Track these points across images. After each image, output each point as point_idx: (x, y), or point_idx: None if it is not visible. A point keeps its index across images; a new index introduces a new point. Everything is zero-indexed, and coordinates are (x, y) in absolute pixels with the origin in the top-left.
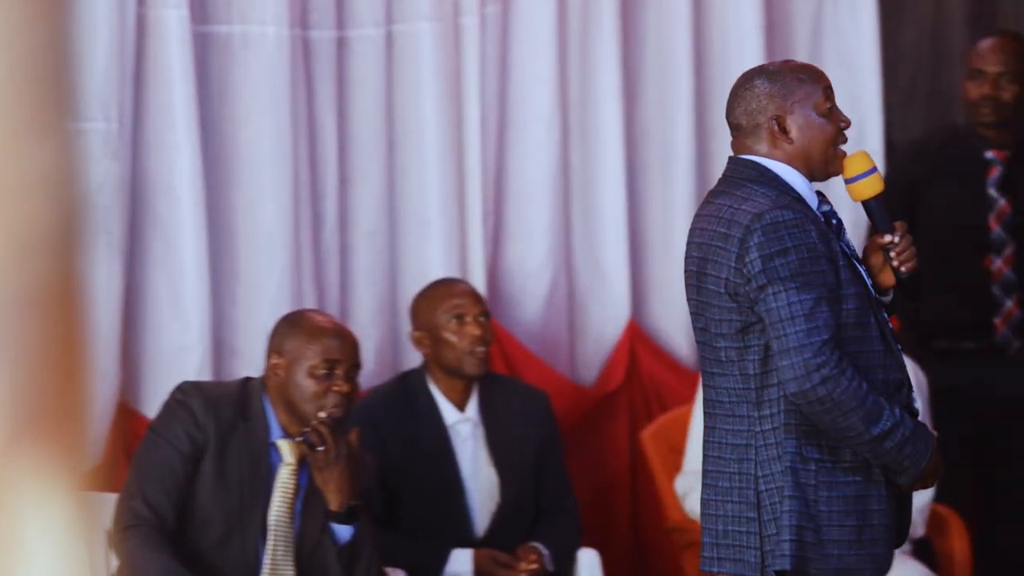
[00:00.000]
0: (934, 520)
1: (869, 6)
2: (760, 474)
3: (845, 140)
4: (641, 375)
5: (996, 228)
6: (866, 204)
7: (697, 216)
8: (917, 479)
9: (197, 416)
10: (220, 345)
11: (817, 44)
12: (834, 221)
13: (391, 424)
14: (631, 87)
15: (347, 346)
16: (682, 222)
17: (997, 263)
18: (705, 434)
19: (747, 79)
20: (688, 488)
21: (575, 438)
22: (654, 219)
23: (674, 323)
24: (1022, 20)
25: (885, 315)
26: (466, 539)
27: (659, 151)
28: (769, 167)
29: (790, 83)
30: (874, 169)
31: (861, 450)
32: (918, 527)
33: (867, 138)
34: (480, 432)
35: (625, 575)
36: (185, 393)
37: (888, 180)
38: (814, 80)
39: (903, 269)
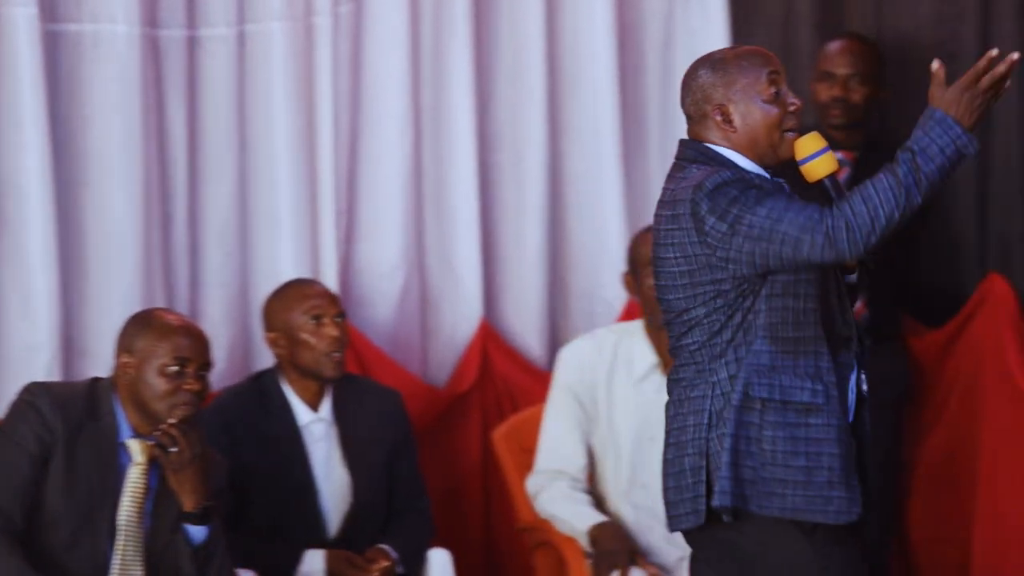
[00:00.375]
0: None
1: (719, 8)
2: (712, 422)
3: (795, 122)
4: (493, 375)
5: None
6: (821, 184)
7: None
8: (972, 123)
9: (45, 417)
10: (69, 345)
11: (669, 46)
12: (784, 188)
13: (244, 424)
14: (484, 88)
15: (198, 344)
16: (535, 223)
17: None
18: (668, 405)
19: (693, 69)
20: (539, 488)
21: (428, 438)
22: (507, 220)
23: (526, 324)
24: (869, 22)
25: (840, 273)
26: (319, 540)
27: (512, 152)
28: (712, 148)
29: (732, 72)
30: (826, 148)
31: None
32: None
33: None
34: (333, 432)
35: (477, 575)
36: (33, 393)
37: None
38: (759, 66)
39: None
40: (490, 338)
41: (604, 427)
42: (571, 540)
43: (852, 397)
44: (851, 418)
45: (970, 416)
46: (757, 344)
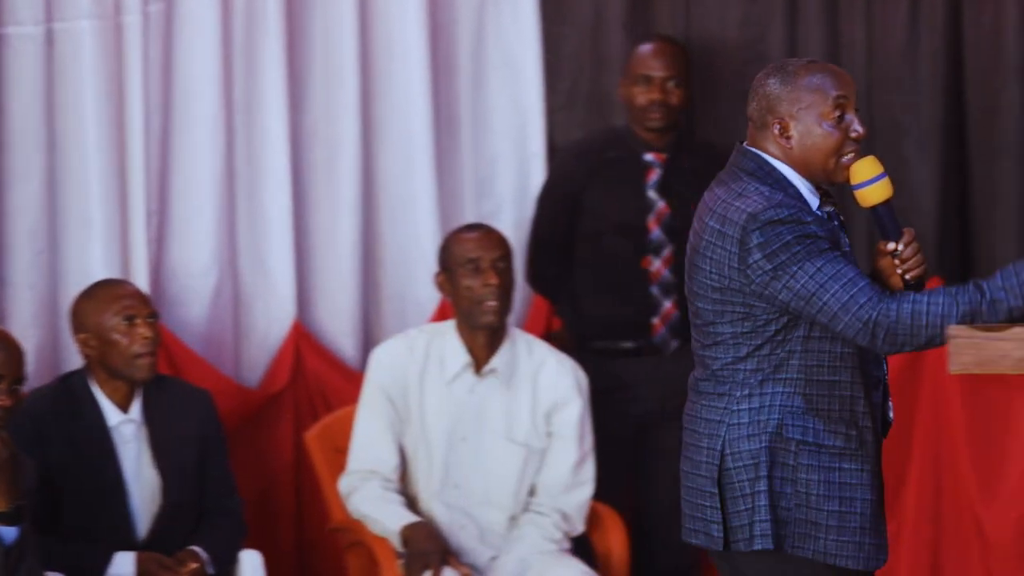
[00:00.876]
0: (592, 517)
1: (530, 9)
2: (728, 451)
3: (856, 149)
4: (306, 375)
5: (655, 230)
6: (874, 210)
7: (700, 203)
8: None
9: None
10: None
11: (480, 47)
12: (835, 223)
13: (53, 426)
14: (297, 88)
15: (11, 359)
16: (348, 223)
17: (656, 264)
18: (686, 408)
19: (765, 75)
20: (352, 488)
21: (240, 438)
22: (320, 220)
23: (339, 324)
24: (678, 24)
25: None
26: (129, 542)
27: (325, 152)
28: (769, 162)
29: (800, 87)
30: (882, 175)
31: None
32: (577, 524)
33: (529, 140)
34: (143, 433)
35: (288, 575)
36: None
37: (550, 182)
38: (828, 88)
39: (908, 277)
40: (303, 338)
41: (416, 427)
42: (383, 540)
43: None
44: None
45: None
46: (791, 387)
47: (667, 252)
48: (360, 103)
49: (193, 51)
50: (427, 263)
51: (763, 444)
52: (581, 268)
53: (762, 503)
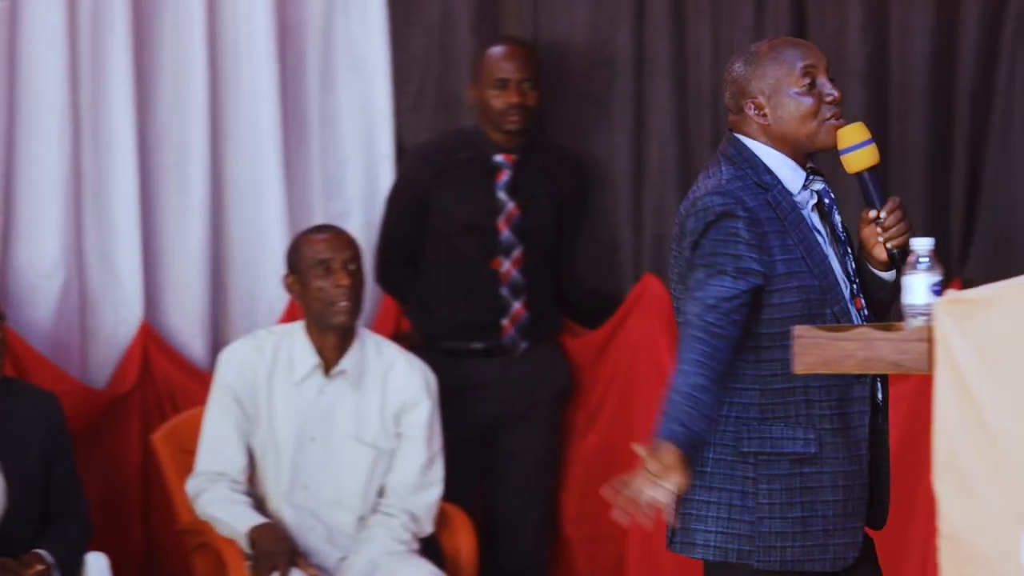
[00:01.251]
0: (441, 518)
1: (378, 11)
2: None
3: (836, 113)
4: (154, 376)
5: (505, 231)
6: (859, 176)
7: None
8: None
9: None
10: None
11: (328, 48)
12: (826, 200)
13: None
14: (145, 90)
15: None
16: (197, 224)
17: (506, 265)
18: None
19: (732, 63)
20: (200, 490)
21: (87, 440)
22: (169, 221)
23: (188, 325)
24: (526, 25)
25: (850, 303)
26: None
27: (174, 154)
28: (747, 145)
29: (766, 65)
30: (869, 141)
31: None
32: (426, 525)
33: (378, 142)
34: None
35: None
36: None
37: (399, 183)
38: (793, 59)
39: (889, 245)
40: (151, 339)
41: (265, 428)
42: (231, 542)
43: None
44: (867, 432)
45: (626, 415)
46: (747, 397)
47: (517, 253)
48: (208, 104)
49: (38, 48)
50: (276, 264)
51: (720, 456)
52: (431, 269)
53: (711, 514)
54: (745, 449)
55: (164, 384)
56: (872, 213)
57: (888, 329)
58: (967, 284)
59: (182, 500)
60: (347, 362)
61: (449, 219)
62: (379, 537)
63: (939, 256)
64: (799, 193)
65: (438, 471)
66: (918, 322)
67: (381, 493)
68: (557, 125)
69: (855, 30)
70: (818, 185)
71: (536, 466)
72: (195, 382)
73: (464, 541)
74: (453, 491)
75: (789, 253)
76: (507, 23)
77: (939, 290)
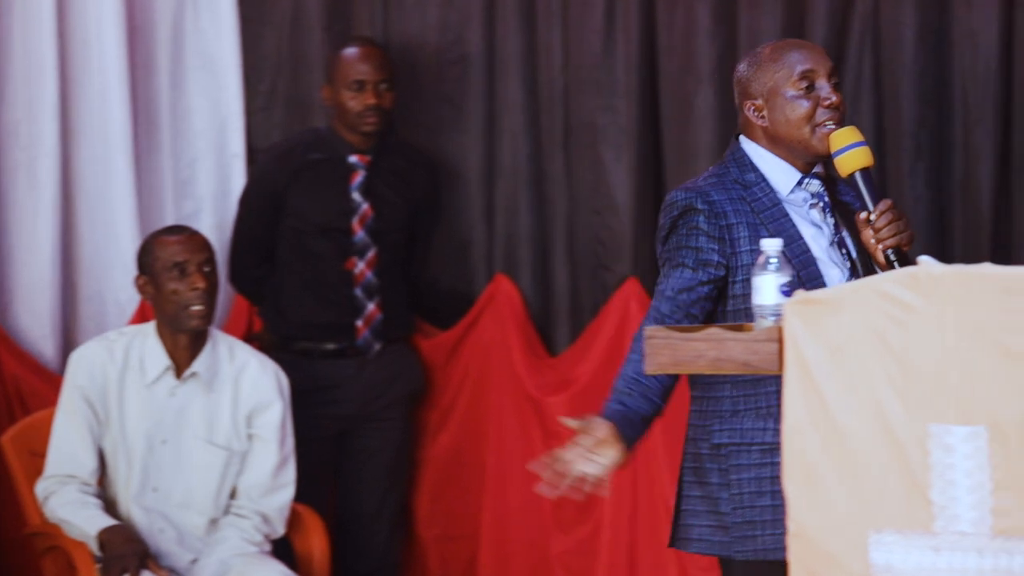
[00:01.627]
0: (293, 519)
1: (229, 10)
2: (685, 453)
3: (832, 117)
4: (4, 378)
5: (359, 232)
6: (852, 178)
7: None
8: None
9: None
10: None
11: (179, 48)
12: (823, 203)
13: None
14: None
15: None
16: (46, 223)
17: (360, 266)
18: None
19: (737, 66)
20: (49, 492)
21: None
22: (19, 220)
23: (38, 325)
24: (376, 26)
25: None
26: None
27: (23, 152)
28: (742, 146)
29: (767, 67)
30: (861, 143)
31: None
32: (278, 526)
33: (229, 141)
34: None
35: None
36: None
37: (252, 183)
38: (793, 63)
39: (881, 246)
40: (1, 340)
41: (115, 430)
42: (81, 544)
43: None
44: None
45: (478, 415)
46: (719, 391)
47: (371, 254)
48: (58, 102)
49: None
50: (126, 265)
51: (694, 451)
52: (284, 269)
53: (699, 508)
54: (716, 441)
55: (13, 385)
56: (862, 215)
57: (739, 329)
58: None
59: (31, 503)
60: (199, 364)
61: (303, 220)
62: (230, 539)
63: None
64: (792, 193)
65: (290, 472)
66: (768, 322)
67: (233, 495)
68: (409, 125)
69: (704, 33)
70: (815, 187)
71: (389, 466)
72: (45, 384)
73: (316, 542)
74: (305, 492)
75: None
76: (358, 23)
77: (788, 291)
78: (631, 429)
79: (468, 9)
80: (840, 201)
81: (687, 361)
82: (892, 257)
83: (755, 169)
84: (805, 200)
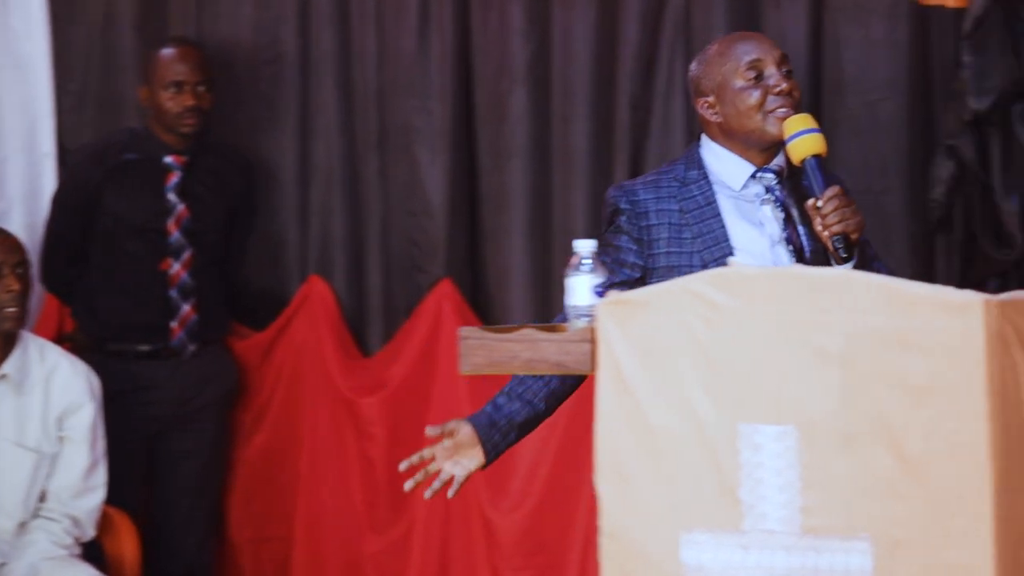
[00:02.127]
0: (104, 522)
1: (40, 8)
2: None
3: (784, 103)
4: None
5: (175, 232)
6: (803, 165)
7: None
8: None
9: None
10: None
11: None
12: (774, 195)
13: None
14: None
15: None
16: None
17: (175, 267)
18: None
19: (689, 66)
20: None
21: None
22: None
23: None
24: (190, 25)
25: None
26: None
27: None
28: (698, 147)
29: (715, 62)
30: (813, 130)
31: None
32: (88, 529)
33: (39, 141)
34: None
35: None
36: None
37: (65, 183)
38: (740, 54)
39: (826, 233)
40: None
41: None
42: None
43: None
44: None
45: (292, 416)
46: None
47: (186, 255)
48: None
49: None
50: None
51: None
52: (98, 270)
53: None
54: None
55: None
56: (809, 202)
57: (552, 330)
58: None
59: None
60: (9, 366)
61: (118, 220)
62: (40, 542)
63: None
64: (745, 188)
65: (101, 475)
66: (581, 323)
67: (43, 498)
68: (225, 125)
69: (517, 34)
70: (768, 181)
71: (202, 469)
72: None
73: (127, 545)
74: (118, 495)
75: (680, 247)
76: (172, 23)
77: (601, 291)
78: (496, 433)
79: (282, 9)
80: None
81: (502, 362)
82: (838, 245)
83: (701, 166)
84: (758, 195)
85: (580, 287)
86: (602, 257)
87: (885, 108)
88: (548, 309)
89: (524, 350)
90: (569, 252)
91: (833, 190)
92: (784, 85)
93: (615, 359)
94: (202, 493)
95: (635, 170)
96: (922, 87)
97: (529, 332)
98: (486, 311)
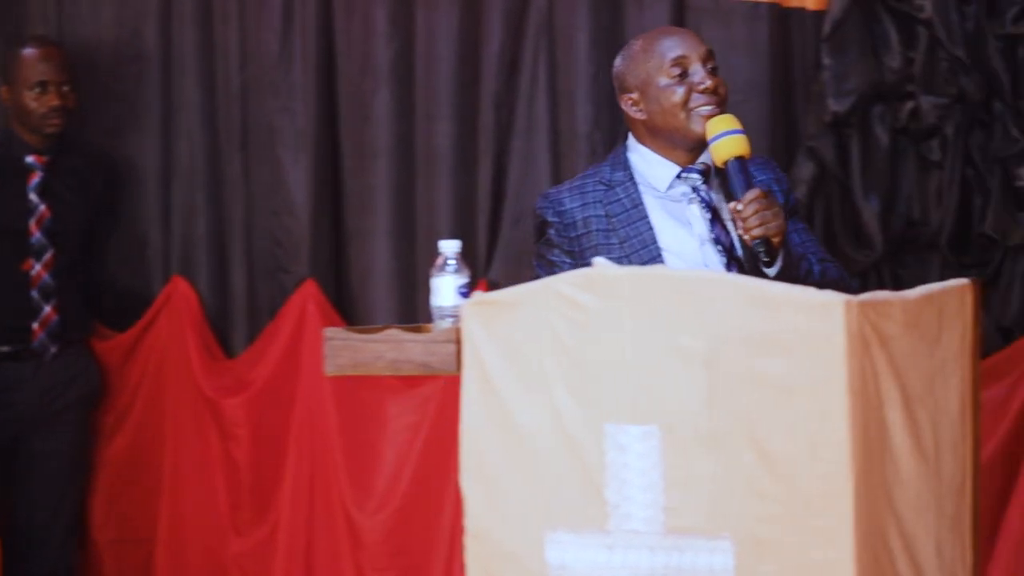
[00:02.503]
0: None
1: None
2: None
3: (709, 101)
4: None
5: (36, 233)
6: (727, 166)
7: None
8: None
9: None
10: None
11: None
12: (699, 195)
13: None
14: None
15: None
16: None
17: (36, 268)
18: None
19: (613, 62)
20: None
21: None
22: None
23: None
24: (50, 23)
25: None
26: None
27: None
28: (624, 148)
29: (639, 58)
30: (736, 131)
31: None
32: None
33: None
34: None
35: None
36: None
37: None
38: (664, 51)
39: (746, 237)
40: None
41: None
42: None
43: None
44: None
45: (155, 417)
46: None
47: (48, 256)
48: None
49: None
50: None
51: None
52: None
53: None
54: None
55: None
56: (730, 204)
57: (418, 331)
58: (492, 286)
59: None
60: None
61: None
62: None
63: (466, 258)
64: (671, 188)
65: None
66: (446, 323)
67: None
68: (87, 124)
69: (380, 34)
70: (693, 181)
71: (64, 471)
72: None
73: None
74: None
75: (609, 252)
76: (30, 21)
77: (466, 292)
78: None
79: (144, 7)
80: None
81: (367, 362)
82: (759, 249)
83: (627, 167)
84: (684, 195)
85: (445, 287)
86: (538, 271)
87: (747, 110)
88: (412, 309)
89: (389, 351)
90: (433, 252)
91: (753, 193)
92: (709, 82)
93: (480, 359)
94: (64, 494)
95: (499, 170)
96: (783, 89)
97: (394, 333)
98: (350, 311)
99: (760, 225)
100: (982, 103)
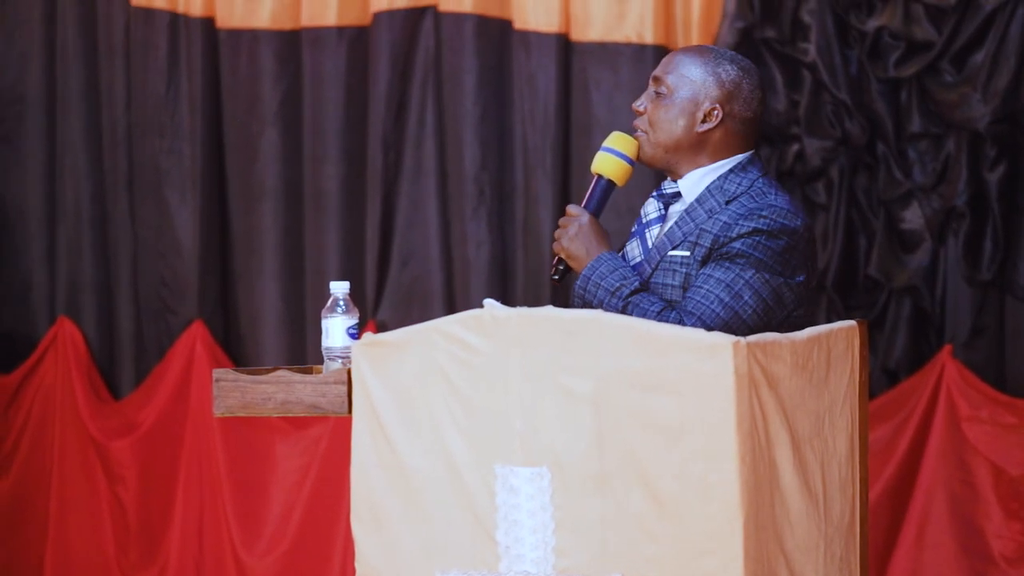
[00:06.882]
0: None
1: None
2: None
3: (636, 124)
4: None
5: None
6: (595, 179)
7: None
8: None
9: None
10: None
11: None
12: (655, 214)
13: None
14: None
15: None
16: None
17: None
18: None
19: None
20: None
21: None
22: None
23: None
24: None
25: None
26: None
27: None
28: None
29: None
30: (620, 154)
31: None
32: None
33: None
34: None
35: None
36: None
37: None
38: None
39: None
40: None
41: None
42: None
43: None
44: None
45: (40, 460)
46: None
47: None
48: None
49: None
50: None
51: None
52: None
53: None
54: None
55: None
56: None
57: (308, 372)
58: (381, 327)
59: None
60: None
61: None
62: None
63: (355, 299)
64: (649, 204)
65: None
66: (336, 365)
67: None
68: None
69: (268, 76)
70: (650, 207)
71: None
72: None
73: None
74: None
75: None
76: None
77: (356, 333)
78: None
79: (27, 47)
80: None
81: (256, 404)
82: (557, 265)
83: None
84: (657, 211)
85: (335, 329)
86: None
87: None
88: (302, 350)
89: (278, 392)
90: (322, 293)
91: (569, 208)
92: (638, 109)
93: (370, 400)
94: None
95: (387, 211)
96: None
97: (283, 374)
98: (239, 353)
99: (556, 241)
100: (866, 146)
